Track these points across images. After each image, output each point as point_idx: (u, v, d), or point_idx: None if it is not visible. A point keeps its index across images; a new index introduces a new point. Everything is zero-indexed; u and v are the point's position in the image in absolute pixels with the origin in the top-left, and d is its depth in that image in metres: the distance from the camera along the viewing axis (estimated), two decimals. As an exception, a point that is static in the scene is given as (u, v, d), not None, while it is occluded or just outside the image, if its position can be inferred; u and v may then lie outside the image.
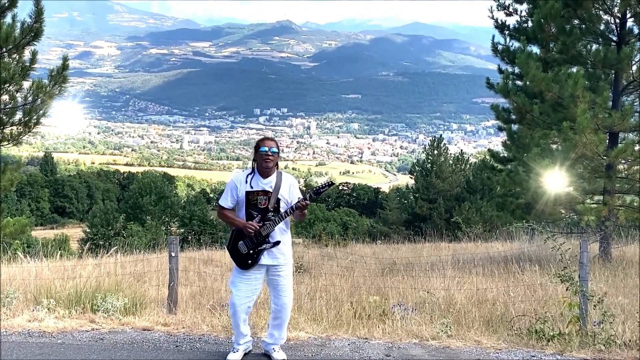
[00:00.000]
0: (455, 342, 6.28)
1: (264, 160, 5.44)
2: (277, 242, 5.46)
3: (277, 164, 5.60)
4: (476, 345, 6.17)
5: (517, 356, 5.85)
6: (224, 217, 5.68)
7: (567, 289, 6.46)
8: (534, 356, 5.84)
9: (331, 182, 5.66)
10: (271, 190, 5.44)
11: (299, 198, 5.43)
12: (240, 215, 5.54)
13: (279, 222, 5.42)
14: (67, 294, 7.71)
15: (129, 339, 6.47)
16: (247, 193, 5.47)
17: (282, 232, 5.52)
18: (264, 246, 5.44)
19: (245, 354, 5.79)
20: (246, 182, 5.50)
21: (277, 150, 5.50)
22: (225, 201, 5.58)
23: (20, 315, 7.32)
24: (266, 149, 5.44)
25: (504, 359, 5.78)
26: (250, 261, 5.49)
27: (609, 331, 6.11)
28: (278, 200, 5.45)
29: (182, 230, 52.96)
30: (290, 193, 5.50)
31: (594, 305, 6.31)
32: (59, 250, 11.70)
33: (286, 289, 5.58)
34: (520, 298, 7.61)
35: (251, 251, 5.47)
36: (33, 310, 7.47)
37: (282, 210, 5.44)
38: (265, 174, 5.49)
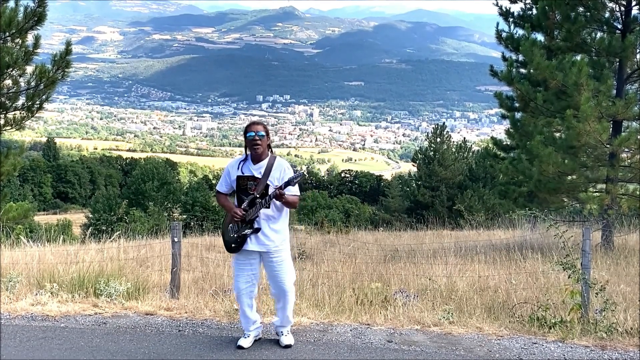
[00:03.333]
0: (457, 328, 6.30)
1: (252, 146, 5.46)
2: (258, 229, 5.46)
3: (269, 147, 5.61)
4: (478, 332, 6.18)
5: (518, 343, 5.87)
6: (219, 202, 5.79)
7: (569, 277, 6.47)
8: (535, 343, 5.85)
9: (300, 173, 5.63)
10: (259, 177, 5.44)
11: (275, 187, 5.37)
12: (234, 199, 5.62)
13: (262, 208, 5.42)
14: (70, 279, 7.74)
15: (132, 323, 6.50)
16: (238, 178, 5.52)
17: (270, 219, 5.50)
18: (245, 231, 5.47)
19: (255, 340, 5.81)
20: (238, 167, 5.55)
21: (263, 134, 5.48)
22: (221, 186, 5.70)
23: (24, 299, 7.35)
24: (253, 133, 5.46)
25: (505, 346, 5.79)
26: (234, 245, 5.56)
27: (611, 319, 6.13)
28: (267, 186, 5.44)
29: (184, 216, 53.01)
30: (280, 179, 5.45)
31: (596, 293, 6.33)
32: (62, 235, 11.71)
33: (281, 274, 5.57)
34: (522, 286, 7.62)
35: (235, 235, 5.52)
36: (36, 294, 7.50)
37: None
38: (256, 159, 5.51)
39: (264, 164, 5.50)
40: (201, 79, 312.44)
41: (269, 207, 5.45)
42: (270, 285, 5.72)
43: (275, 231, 5.54)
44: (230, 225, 5.56)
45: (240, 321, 5.87)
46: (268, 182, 5.44)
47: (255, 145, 5.43)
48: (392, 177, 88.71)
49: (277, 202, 5.46)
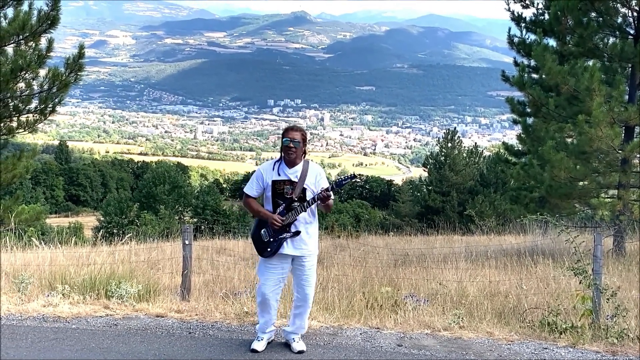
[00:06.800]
0: (467, 333, 6.29)
1: (286, 152, 5.49)
2: (297, 232, 5.49)
3: (304, 153, 5.62)
4: (488, 337, 6.17)
5: (529, 348, 5.85)
6: (249, 207, 5.74)
7: (580, 282, 6.45)
8: (546, 348, 5.84)
9: (354, 174, 5.67)
10: (296, 180, 5.47)
11: (321, 188, 5.41)
12: (267, 203, 5.59)
13: (301, 212, 5.44)
14: (82, 280, 7.77)
15: (143, 325, 6.53)
16: (274, 182, 5.52)
17: (306, 223, 5.55)
18: (284, 235, 5.48)
19: (268, 343, 5.82)
20: (273, 169, 5.56)
21: (299, 141, 5.49)
22: (251, 190, 5.65)
23: (35, 301, 7.39)
24: (288, 140, 5.48)
25: (516, 351, 5.78)
26: (270, 249, 5.54)
27: (622, 325, 6.11)
28: (304, 189, 5.47)
29: (195, 219, 53.09)
30: (316, 183, 5.50)
31: (607, 299, 6.31)
32: (74, 237, 11.76)
33: (309, 279, 5.62)
34: (532, 291, 7.60)
35: (272, 239, 5.51)
36: (48, 295, 7.54)
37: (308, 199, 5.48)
38: (290, 163, 5.53)
39: (298, 168, 5.53)
40: (213, 83, 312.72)
41: (306, 211, 5.48)
42: (294, 289, 5.74)
43: (310, 235, 5.60)
44: (264, 229, 5.56)
45: (254, 326, 5.87)
46: (305, 186, 5.47)
47: (289, 151, 5.47)
48: (403, 182, 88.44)
49: (313, 205, 5.49)
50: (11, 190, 19.62)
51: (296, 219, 5.48)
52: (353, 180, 5.61)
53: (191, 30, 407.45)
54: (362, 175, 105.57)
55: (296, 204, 5.45)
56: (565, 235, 6.90)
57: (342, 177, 5.50)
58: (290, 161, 5.52)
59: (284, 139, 5.52)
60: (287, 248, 5.52)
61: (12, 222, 12.18)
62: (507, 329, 6.40)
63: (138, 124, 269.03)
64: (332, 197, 5.50)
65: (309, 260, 5.60)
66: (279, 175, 5.53)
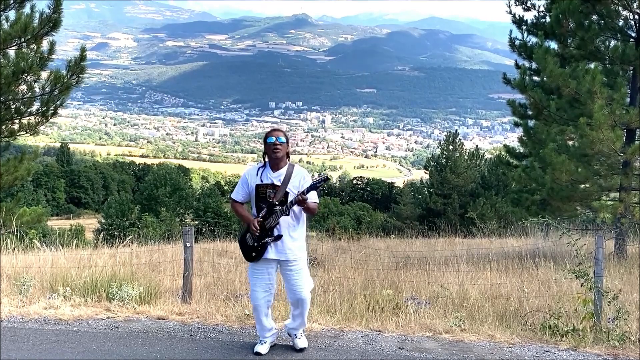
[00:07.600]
0: (469, 336, 6.28)
1: (272, 151, 5.45)
2: (279, 236, 5.44)
3: (288, 155, 5.60)
4: (490, 340, 6.17)
5: (530, 351, 5.85)
6: (235, 211, 5.78)
7: (581, 285, 6.44)
8: (547, 351, 5.83)
9: (326, 177, 5.59)
10: (279, 184, 5.43)
11: (297, 192, 5.35)
12: (252, 207, 5.59)
13: (282, 215, 5.40)
14: (83, 283, 7.78)
15: (144, 328, 6.53)
16: (257, 186, 5.50)
17: (290, 227, 5.49)
18: (266, 239, 5.45)
19: (271, 346, 5.82)
20: (257, 174, 5.53)
21: (284, 140, 5.48)
22: (237, 195, 5.66)
23: (37, 303, 7.40)
24: (273, 139, 5.45)
25: (517, 353, 5.78)
26: (254, 254, 5.54)
27: (624, 328, 6.10)
28: (286, 193, 5.42)
29: (196, 222, 53.10)
30: (300, 186, 5.43)
31: (609, 302, 6.30)
32: (75, 240, 11.76)
33: (299, 284, 5.55)
34: (534, 294, 7.60)
35: (255, 244, 5.50)
36: (49, 298, 7.55)
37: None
38: (275, 166, 5.49)
39: (283, 171, 5.49)
40: (214, 85, 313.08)
41: (288, 215, 5.44)
42: (287, 294, 5.71)
43: (294, 239, 5.53)
44: (249, 234, 5.55)
45: (255, 328, 5.87)
46: (287, 189, 5.43)
47: (276, 149, 5.43)
48: (404, 184, 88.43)
49: (296, 210, 5.45)
50: (12, 192, 19.65)
51: (278, 223, 5.44)
52: (326, 183, 5.50)
53: (193, 32, 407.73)
54: (363, 177, 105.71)
55: (278, 207, 5.40)
56: (567, 237, 6.89)
57: (315, 180, 5.41)
58: (276, 163, 5.49)
59: (267, 139, 5.48)
60: (271, 252, 5.48)
61: (13, 225, 12.19)
62: (508, 331, 6.40)
63: (139, 126, 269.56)
64: (314, 201, 5.43)
65: (296, 264, 5.53)
66: (262, 180, 5.50)
